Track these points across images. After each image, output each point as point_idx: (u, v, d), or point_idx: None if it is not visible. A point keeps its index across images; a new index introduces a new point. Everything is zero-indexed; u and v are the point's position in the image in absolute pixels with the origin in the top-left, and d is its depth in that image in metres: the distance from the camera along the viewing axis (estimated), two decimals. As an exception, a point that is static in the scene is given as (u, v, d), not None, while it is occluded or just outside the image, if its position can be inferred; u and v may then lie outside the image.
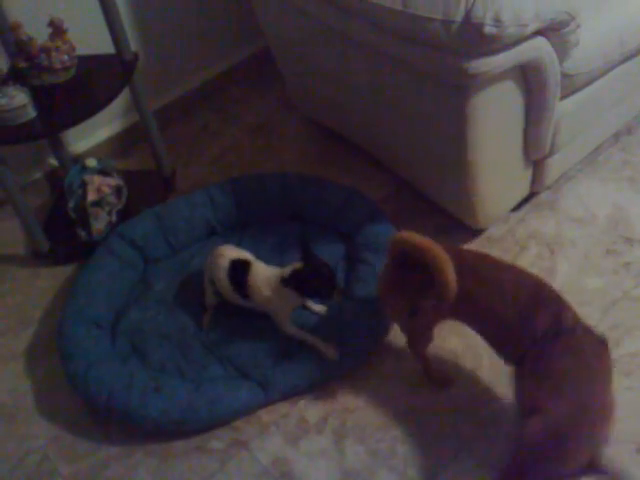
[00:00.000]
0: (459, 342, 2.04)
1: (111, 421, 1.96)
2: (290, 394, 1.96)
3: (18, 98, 2.09)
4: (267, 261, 2.12)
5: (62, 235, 2.52)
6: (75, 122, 2.19)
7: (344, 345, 1.98)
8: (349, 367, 2.00)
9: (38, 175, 2.73)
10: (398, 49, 1.90)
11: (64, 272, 2.45)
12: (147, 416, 1.89)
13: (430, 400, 1.93)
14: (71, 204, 2.44)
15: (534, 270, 2.10)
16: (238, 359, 2.03)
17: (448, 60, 1.77)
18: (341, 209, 2.35)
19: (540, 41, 1.83)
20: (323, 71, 2.37)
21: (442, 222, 2.36)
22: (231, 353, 2.05)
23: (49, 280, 2.43)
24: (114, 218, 2.50)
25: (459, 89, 1.83)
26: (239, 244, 2.32)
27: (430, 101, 1.96)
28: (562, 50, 1.90)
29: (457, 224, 2.32)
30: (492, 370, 1.95)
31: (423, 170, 2.29)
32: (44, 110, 2.17)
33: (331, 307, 2.11)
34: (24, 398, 2.09)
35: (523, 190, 2.28)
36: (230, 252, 2.10)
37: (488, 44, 1.70)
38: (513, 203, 2.30)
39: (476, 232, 2.31)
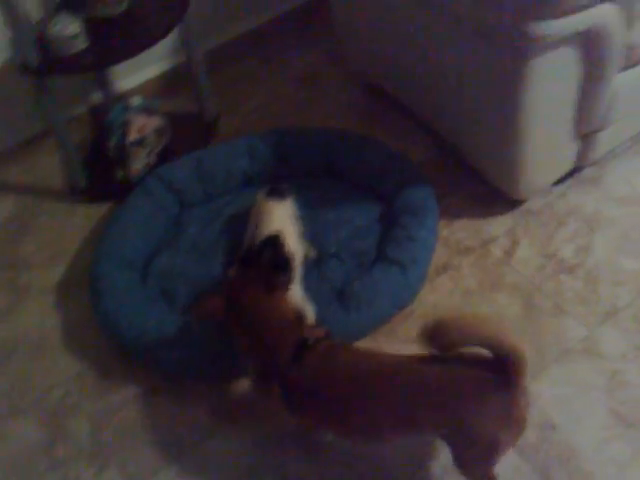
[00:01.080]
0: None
1: (136, 361, 1.98)
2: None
3: (71, 28, 2.08)
4: (301, 217, 2.10)
5: (100, 173, 2.53)
6: (126, 56, 2.16)
7: (370, 307, 1.96)
8: (373, 327, 1.98)
9: (81, 110, 2.74)
10: (463, 8, 1.84)
11: (99, 210, 2.47)
12: (172, 359, 1.91)
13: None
14: (111, 142, 2.44)
15: (570, 246, 2.07)
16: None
17: (510, 20, 1.71)
18: (382, 170, 2.30)
19: (607, 8, 1.75)
20: (381, 26, 2.31)
21: (481, 191, 2.31)
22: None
23: (84, 217, 2.46)
24: (153, 159, 2.49)
25: (517, 52, 1.78)
26: None
27: (486, 63, 1.91)
28: (628, 20, 1.81)
29: (496, 194, 2.26)
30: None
31: (470, 134, 2.23)
32: (95, 42, 2.15)
33: (364, 267, 2.08)
34: (51, 333, 2.13)
35: (568, 164, 2.20)
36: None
37: (553, 5, 1.63)
38: (556, 176, 2.23)
39: (515, 203, 2.25)
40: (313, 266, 2.10)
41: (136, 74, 2.80)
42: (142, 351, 1.94)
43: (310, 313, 1.82)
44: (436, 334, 1.35)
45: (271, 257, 1.80)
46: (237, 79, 2.93)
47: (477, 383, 1.40)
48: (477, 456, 1.49)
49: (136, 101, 2.53)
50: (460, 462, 1.53)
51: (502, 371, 1.36)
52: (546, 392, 1.84)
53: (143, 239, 2.25)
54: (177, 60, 2.84)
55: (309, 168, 2.41)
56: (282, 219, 2.03)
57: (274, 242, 1.91)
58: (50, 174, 2.61)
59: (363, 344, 1.94)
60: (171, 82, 2.88)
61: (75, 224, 2.43)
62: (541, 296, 2.03)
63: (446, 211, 2.26)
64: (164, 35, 2.21)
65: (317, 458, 1.77)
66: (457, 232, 2.22)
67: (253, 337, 1.53)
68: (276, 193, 2.07)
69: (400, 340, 1.99)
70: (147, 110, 2.53)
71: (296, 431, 1.81)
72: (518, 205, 2.25)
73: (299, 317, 1.58)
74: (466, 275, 2.11)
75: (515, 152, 2.05)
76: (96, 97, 2.76)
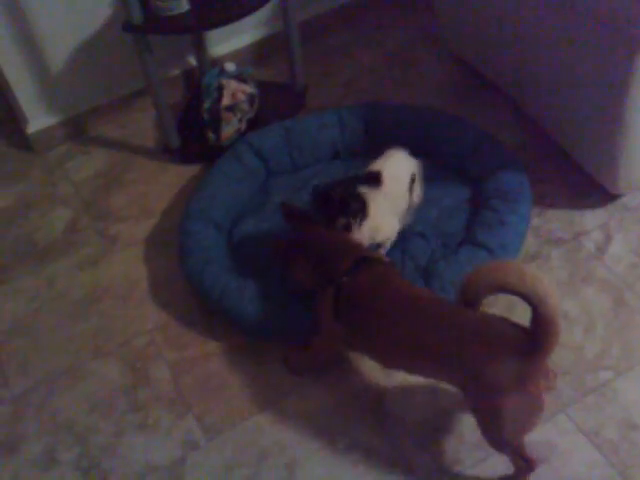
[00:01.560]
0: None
1: (219, 318, 2.01)
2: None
3: (174, -11, 2.11)
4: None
5: (192, 135, 2.56)
6: (226, 21, 2.20)
7: (456, 285, 1.93)
8: None
9: (176, 72, 2.78)
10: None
11: (189, 171, 2.51)
12: (254, 320, 1.93)
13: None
14: (206, 105, 2.47)
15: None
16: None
17: (628, 6, 1.65)
18: (473, 152, 2.27)
19: None
20: (484, 6, 2.28)
21: (577, 181, 2.26)
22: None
23: (174, 176, 2.50)
24: (244, 126, 2.52)
25: (632, 39, 1.72)
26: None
27: (597, 50, 1.86)
28: None
29: (592, 186, 2.21)
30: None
31: (570, 123, 2.17)
32: (197, 6, 2.18)
33: (450, 248, 2.07)
34: (138, 284, 2.18)
35: (671, 161, 2.13)
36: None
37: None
38: (658, 173, 2.16)
39: (611, 197, 2.20)
40: (398, 242, 2.08)
41: (230, 40, 2.83)
42: (224, 310, 1.97)
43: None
44: (467, 284, 1.41)
45: (341, 196, 1.87)
46: (329, 52, 2.93)
47: (503, 340, 1.43)
48: (488, 417, 1.50)
49: (230, 67, 2.55)
50: (478, 422, 1.55)
51: (532, 339, 1.37)
52: (631, 391, 1.80)
53: (231, 202, 2.28)
54: (270, 30, 2.86)
55: (399, 145, 2.38)
56: (397, 167, 2.04)
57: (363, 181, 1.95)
58: (144, 132, 2.67)
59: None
60: (263, 51, 2.89)
61: (165, 182, 2.47)
62: (632, 294, 1.98)
63: (538, 199, 2.22)
64: (263, 3, 2.22)
65: (388, 429, 1.78)
66: (549, 222, 2.18)
67: (317, 254, 1.73)
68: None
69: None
70: (240, 77, 2.55)
71: (369, 401, 1.81)
72: (614, 199, 2.19)
73: (360, 244, 1.80)
74: (555, 266, 2.07)
75: (617, 145, 2.00)
76: (190, 61, 2.79)
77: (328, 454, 1.76)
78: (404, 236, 2.10)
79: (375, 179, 1.97)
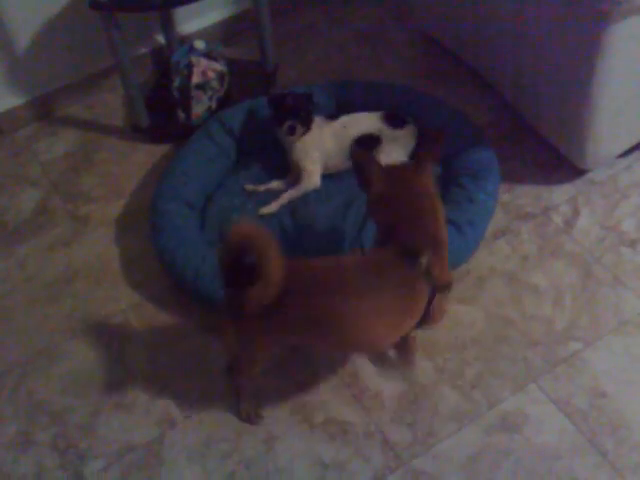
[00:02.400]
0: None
1: (192, 297, 2.01)
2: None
3: (142, -34, 2.08)
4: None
5: (162, 114, 2.54)
6: (194, -2, 2.17)
7: None
8: None
9: (143, 51, 2.74)
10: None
11: (159, 150, 2.49)
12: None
13: (503, 330, 1.93)
14: (176, 83, 2.45)
15: (632, 220, 2.06)
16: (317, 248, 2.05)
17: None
18: (441, 129, 2.28)
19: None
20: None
21: (545, 157, 2.30)
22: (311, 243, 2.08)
23: (144, 156, 2.48)
24: (214, 104, 2.50)
25: (599, 15, 1.75)
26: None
27: (564, 25, 1.89)
28: None
29: (560, 161, 2.25)
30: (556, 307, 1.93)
31: (539, 98, 2.20)
32: (165, -18, 2.16)
33: None
34: (110, 264, 2.17)
35: (636, 136, 2.18)
36: None
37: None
38: (624, 148, 2.21)
39: (578, 172, 2.24)
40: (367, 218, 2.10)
41: (199, 18, 2.80)
42: (198, 289, 1.97)
43: None
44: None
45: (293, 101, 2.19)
46: (299, 31, 2.92)
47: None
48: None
49: (200, 44, 2.53)
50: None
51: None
52: (600, 361, 1.85)
53: (203, 181, 2.27)
54: (240, 7, 2.84)
55: None
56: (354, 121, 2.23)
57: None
58: (113, 112, 2.64)
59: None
60: (232, 29, 2.87)
61: (135, 161, 2.45)
62: (600, 267, 2.02)
63: (507, 175, 2.25)
64: (233, -20, 2.20)
65: (364, 403, 1.81)
66: (518, 197, 2.21)
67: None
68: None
69: (454, 299, 2.00)
70: (210, 55, 2.53)
71: (346, 375, 1.83)
72: (581, 174, 2.24)
73: None
74: (525, 240, 2.11)
75: (584, 120, 2.03)
76: (159, 39, 2.76)
77: (305, 429, 1.78)
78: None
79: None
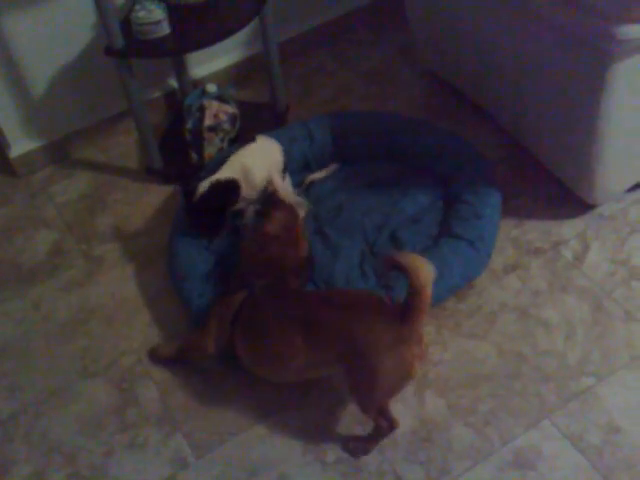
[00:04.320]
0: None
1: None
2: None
3: (155, 13, 2.15)
4: (361, 200, 2.27)
5: (175, 156, 2.59)
6: (206, 44, 2.23)
7: (440, 279, 1.96)
8: (442, 299, 2.02)
9: (157, 95, 2.80)
10: (548, 9, 1.86)
11: (171, 190, 2.53)
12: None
13: (515, 365, 1.92)
14: (188, 125, 2.50)
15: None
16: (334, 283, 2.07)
17: (598, 23, 1.72)
18: (441, 151, 2.33)
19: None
20: (458, 24, 2.34)
21: (553, 192, 2.31)
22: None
23: (157, 196, 2.52)
24: (226, 145, 2.55)
25: (603, 55, 1.78)
26: (332, 180, 2.41)
27: (569, 65, 1.92)
28: None
29: (568, 196, 2.26)
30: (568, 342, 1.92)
31: (546, 135, 2.23)
32: (178, 28, 2.22)
33: (428, 243, 2.15)
34: (124, 303, 2.20)
35: (646, 170, 2.19)
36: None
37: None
38: (632, 182, 2.22)
39: (587, 207, 2.25)
40: (382, 243, 2.16)
41: (211, 62, 2.86)
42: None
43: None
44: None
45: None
46: (307, 72, 2.97)
47: (375, 308, 1.64)
48: (362, 379, 1.65)
49: (212, 88, 2.58)
50: (351, 386, 1.70)
51: (404, 310, 1.56)
52: (613, 396, 1.84)
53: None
54: (250, 50, 2.90)
55: (366, 152, 2.45)
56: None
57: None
58: (126, 154, 2.69)
59: (428, 330, 1.97)
60: (243, 72, 2.93)
61: (149, 202, 2.49)
62: (611, 302, 2.02)
63: (517, 211, 2.27)
64: (243, 25, 2.27)
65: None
66: (527, 233, 2.22)
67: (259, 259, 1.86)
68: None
69: (464, 335, 2.01)
70: (222, 97, 2.58)
71: (358, 413, 1.82)
72: (590, 209, 2.24)
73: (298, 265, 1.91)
74: (535, 276, 2.11)
75: (592, 157, 2.05)
76: (171, 83, 2.83)
77: (318, 468, 1.78)
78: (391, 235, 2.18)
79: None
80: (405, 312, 1.57)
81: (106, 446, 1.87)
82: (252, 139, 2.24)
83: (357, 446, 1.78)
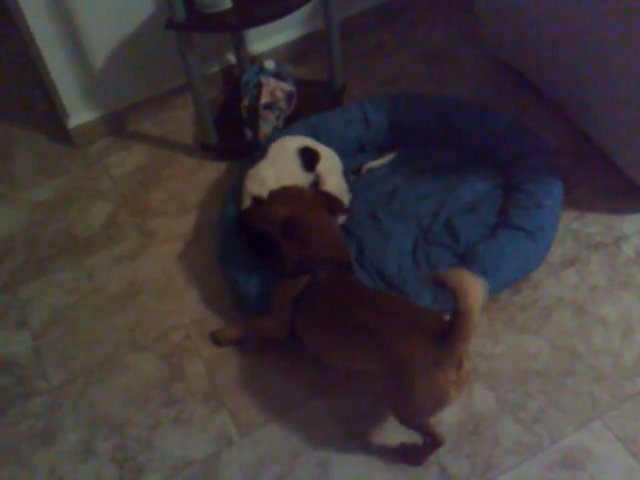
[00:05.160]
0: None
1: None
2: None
3: (217, -12, 2.12)
4: (416, 185, 2.23)
5: (230, 132, 2.57)
6: (268, 19, 2.20)
7: (496, 270, 1.94)
8: (497, 291, 1.98)
9: (215, 70, 2.79)
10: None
11: (225, 166, 2.52)
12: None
13: (569, 362, 1.87)
14: (245, 102, 2.48)
15: None
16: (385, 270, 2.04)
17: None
18: (501, 138, 2.27)
19: None
20: (530, 8, 2.26)
21: (617, 185, 2.24)
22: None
23: (211, 172, 2.52)
24: (281, 124, 2.52)
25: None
26: (388, 164, 2.37)
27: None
28: None
29: (632, 190, 2.19)
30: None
31: (612, 125, 2.15)
32: (239, 3, 2.19)
33: (484, 233, 2.09)
34: (175, 278, 2.20)
35: None
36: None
37: None
38: (702, 178, 2.13)
39: (652, 202, 2.16)
40: (437, 230, 2.12)
41: (269, 38, 2.83)
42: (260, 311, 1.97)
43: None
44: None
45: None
46: (367, 51, 2.92)
47: (419, 324, 1.57)
48: (396, 393, 1.61)
49: (270, 65, 2.56)
50: (388, 399, 1.67)
51: (446, 332, 1.47)
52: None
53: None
54: (309, 28, 2.86)
55: (424, 137, 2.39)
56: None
57: None
58: (182, 129, 2.69)
59: (481, 321, 1.92)
60: (301, 49, 2.90)
61: (203, 178, 2.49)
62: (672, 301, 1.95)
63: (578, 203, 2.20)
64: (306, 2, 2.23)
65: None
66: (588, 226, 2.15)
67: (310, 244, 1.81)
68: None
69: (517, 329, 1.96)
70: (279, 75, 2.56)
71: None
72: (656, 205, 2.16)
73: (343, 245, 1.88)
74: (594, 271, 2.05)
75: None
76: (229, 58, 2.81)
77: (362, 454, 1.76)
78: (446, 222, 2.14)
79: None
80: (446, 335, 1.48)
81: (152, 419, 1.88)
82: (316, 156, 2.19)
83: (411, 455, 1.75)
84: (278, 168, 2.11)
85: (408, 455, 1.74)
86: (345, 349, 1.70)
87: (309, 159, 2.16)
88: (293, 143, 2.18)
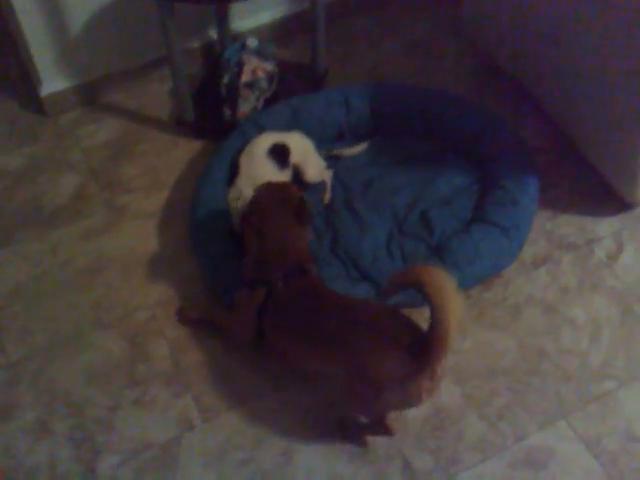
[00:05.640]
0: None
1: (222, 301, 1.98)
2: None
3: (201, -41, 2.06)
4: (393, 175, 2.21)
5: (207, 110, 2.52)
6: (254, -6, 2.14)
7: (469, 265, 1.94)
8: (469, 286, 1.98)
9: (195, 45, 2.72)
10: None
11: (200, 145, 2.47)
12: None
13: (536, 361, 1.88)
14: (225, 80, 2.43)
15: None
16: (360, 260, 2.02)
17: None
18: (481, 132, 2.26)
19: None
20: (516, 3, 2.23)
21: (592, 188, 2.24)
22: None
23: (185, 150, 2.46)
24: (260, 104, 2.48)
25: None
26: (365, 153, 2.33)
27: (632, 51, 1.82)
28: None
29: (607, 193, 2.19)
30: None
31: (592, 126, 2.14)
32: (226, -24, 2.14)
33: (459, 227, 2.09)
34: (143, 257, 2.15)
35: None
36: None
37: None
38: (678, 184, 2.13)
39: (626, 206, 2.17)
40: (412, 222, 2.11)
41: (254, 16, 2.77)
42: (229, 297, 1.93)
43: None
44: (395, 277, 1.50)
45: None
46: (352, 37, 2.87)
47: (396, 337, 1.51)
48: (363, 400, 1.58)
49: (252, 43, 2.51)
50: (351, 400, 1.63)
51: (423, 342, 1.44)
52: (634, 402, 1.80)
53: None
54: (294, 8, 2.80)
55: (403, 126, 2.37)
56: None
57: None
58: (157, 104, 2.62)
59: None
60: (284, 29, 2.84)
61: (176, 155, 2.43)
62: (641, 306, 1.96)
63: (551, 203, 2.20)
64: (291, -21, 2.18)
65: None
66: (561, 226, 2.16)
67: (265, 246, 1.75)
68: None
69: (486, 325, 1.96)
70: (261, 54, 2.51)
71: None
72: (629, 209, 2.17)
73: (301, 250, 1.78)
74: (565, 272, 2.05)
75: (636, 154, 1.97)
76: (211, 34, 2.75)
77: (325, 445, 1.75)
78: (422, 214, 2.13)
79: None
80: (424, 345, 1.44)
81: (113, 400, 1.84)
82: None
83: (351, 430, 1.75)
84: (253, 177, 2.06)
85: (346, 430, 1.74)
86: (312, 358, 1.67)
87: (280, 155, 2.12)
88: (259, 147, 2.14)
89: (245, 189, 2.03)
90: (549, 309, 1.98)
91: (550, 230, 2.15)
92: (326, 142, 2.34)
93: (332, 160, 2.31)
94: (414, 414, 1.77)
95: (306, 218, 1.83)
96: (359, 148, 2.33)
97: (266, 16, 2.78)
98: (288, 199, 1.81)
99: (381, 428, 1.68)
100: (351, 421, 1.76)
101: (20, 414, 1.83)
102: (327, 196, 2.21)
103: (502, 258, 1.99)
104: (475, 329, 1.94)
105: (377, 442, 1.74)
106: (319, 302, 1.67)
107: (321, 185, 2.23)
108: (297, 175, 2.19)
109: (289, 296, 1.70)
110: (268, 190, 1.85)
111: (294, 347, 1.70)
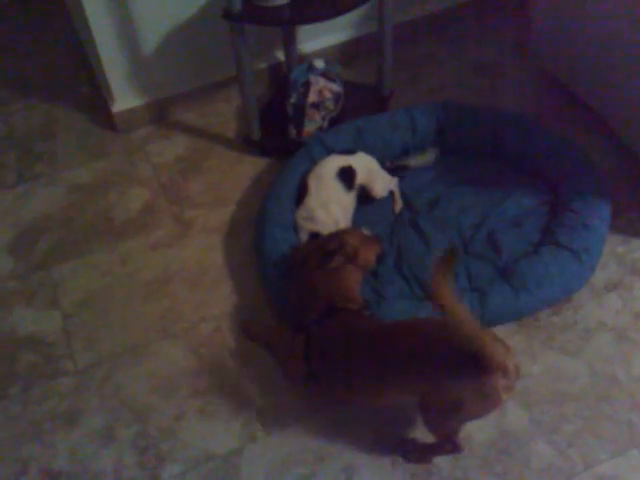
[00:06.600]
0: None
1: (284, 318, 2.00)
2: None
3: (274, -18, 2.11)
4: (460, 195, 2.20)
5: (273, 128, 2.55)
6: (324, 17, 2.18)
7: (538, 288, 1.90)
8: (537, 309, 1.95)
9: (262, 66, 2.77)
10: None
11: (265, 163, 2.49)
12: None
13: (607, 388, 1.82)
14: (292, 100, 2.46)
15: None
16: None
17: None
18: (550, 154, 2.23)
19: None
20: (586, 26, 2.21)
21: (664, 209, 2.17)
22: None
23: (251, 168, 2.50)
24: (326, 124, 2.50)
25: None
26: (432, 171, 2.33)
27: None
28: None
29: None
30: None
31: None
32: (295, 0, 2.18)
33: (527, 249, 2.06)
34: (209, 270, 2.18)
35: None
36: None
37: None
38: None
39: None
40: (479, 243, 2.08)
41: (320, 38, 2.81)
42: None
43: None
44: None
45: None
46: (416, 59, 2.89)
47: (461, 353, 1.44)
48: (443, 418, 1.57)
49: (319, 64, 2.53)
50: (429, 421, 1.61)
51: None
52: None
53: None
54: (361, 31, 2.84)
55: (472, 146, 2.36)
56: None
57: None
58: (225, 123, 2.67)
59: (519, 338, 1.88)
60: (351, 51, 2.87)
61: (242, 172, 2.47)
62: None
63: (624, 227, 2.15)
64: (363, 2, 2.20)
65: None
66: (634, 251, 2.10)
67: (301, 294, 1.80)
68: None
69: (555, 350, 1.91)
70: (328, 75, 2.53)
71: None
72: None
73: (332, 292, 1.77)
74: (637, 297, 2.00)
75: None
76: (278, 55, 2.79)
77: (387, 464, 1.72)
78: (488, 234, 2.11)
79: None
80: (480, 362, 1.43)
81: (177, 409, 1.86)
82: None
83: (414, 452, 1.71)
84: (321, 198, 2.12)
85: (411, 453, 1.71)
86: (380, 395, 1.66)
87: (347, 178, 2.16)
88: (327, 170, 2.17)
89: (317, 209, 2.09)
90: (620, 335, 1.92)
91: (622, 254, 2.09)
92: (390, 159, 2.35)
93: (398, 172, 2.31)
94: (480, 437, 1.73)
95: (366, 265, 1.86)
96: (426, 157, 2.33)
97: (332, 39, 2.82)
98: (358, 245, 1.84)
99: (449, 445, 1.64)
100: (413, 441, 1.72)
101: (86, 420, 1.86)
102: (398, 205, 2.23)
103: (572, 282, 1.95)
104: (544, 353, 1.90)
105: (442, 464, 1.70)
106: (364, 337, 1.65)
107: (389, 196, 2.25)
108: (364, 192, 2.20)
109: (328, 338, 1.70)
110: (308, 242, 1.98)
111: (357, 387, 1.67)
